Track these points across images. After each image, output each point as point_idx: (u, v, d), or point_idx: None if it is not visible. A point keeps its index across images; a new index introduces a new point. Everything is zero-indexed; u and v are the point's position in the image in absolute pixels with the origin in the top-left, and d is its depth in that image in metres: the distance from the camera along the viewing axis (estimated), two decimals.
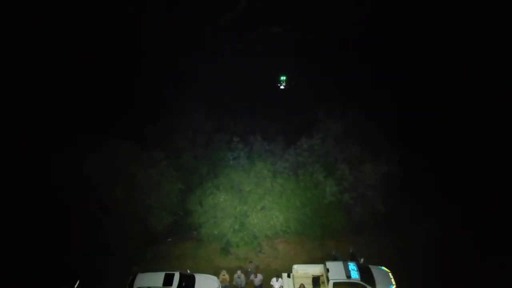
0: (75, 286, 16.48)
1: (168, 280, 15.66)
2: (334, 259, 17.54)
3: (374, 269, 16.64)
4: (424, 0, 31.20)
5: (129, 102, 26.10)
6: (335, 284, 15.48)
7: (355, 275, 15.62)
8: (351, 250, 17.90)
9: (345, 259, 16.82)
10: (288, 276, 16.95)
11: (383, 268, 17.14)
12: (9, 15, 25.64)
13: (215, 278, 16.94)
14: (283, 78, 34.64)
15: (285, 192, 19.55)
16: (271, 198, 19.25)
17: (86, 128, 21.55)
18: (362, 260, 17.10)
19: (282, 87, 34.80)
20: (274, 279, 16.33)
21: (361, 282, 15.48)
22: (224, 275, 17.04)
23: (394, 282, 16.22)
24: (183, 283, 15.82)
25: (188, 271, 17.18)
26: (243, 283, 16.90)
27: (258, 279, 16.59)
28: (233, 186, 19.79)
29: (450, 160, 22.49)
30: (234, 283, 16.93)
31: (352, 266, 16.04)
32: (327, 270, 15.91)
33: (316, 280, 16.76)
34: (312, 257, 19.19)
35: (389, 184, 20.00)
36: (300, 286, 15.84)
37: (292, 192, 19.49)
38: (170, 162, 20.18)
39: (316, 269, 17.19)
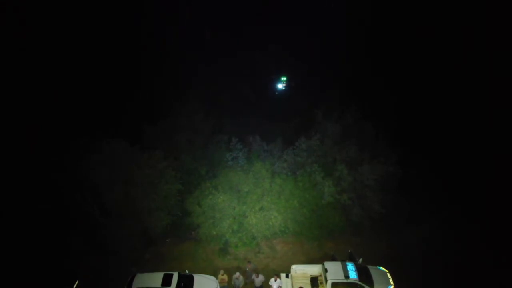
0: (74, 286, 16.53)
1: (166, 280, 15.69)
2: (333, 259, 17.58)
3: (372, 269, 16.69)
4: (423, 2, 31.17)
5: (129, 102, 26.12)
6: (333, 284, 15.52)
7: (353, 275, 15.66)
8: (349, 251, 17.93)
9: (343, 259, 16.84)
10: (287, 276, 16.99)
11: (381, 268, 17.18)
12: (8, 14, 25.66)
13: (213, 278, 17.00)
14: (283, 78, 34.76)
15: (284, 193, 19.60)
16: (270, 199, 19.31)
17: (85, 129, 21.57)
18: (360, 260, 17.13)
19: (282, 87, 34.91)
20: (272, 280, 16.38)
21: (359, 282, 15.51)
22: (222, 275, 17.08)
23: (392, 282, 16.25)
24: (182, 284, 15.87)
25: (187, 272, 17.22)
26: (241, 284, 16.93)
27: (259, 279, 16.64)
28: (232, 187, 19.84)
29: (449, 160, 22.50)
30: (232, 283, 16.96)
31: (350, 266, 16.08)
32: (326, 270, 15.95)
33: (314, 280, 16.81)
34: (311, 257, 19.23)
35: (387, 184, 20.03)
36: None
37: (291, 193, 19.54)
38: (169, 162, 20.18)
39: (314, 269, 17.23)
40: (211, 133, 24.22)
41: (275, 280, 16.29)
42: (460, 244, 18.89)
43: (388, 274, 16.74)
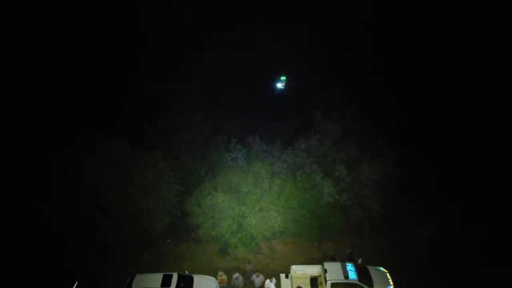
0: (74, 286, 16.53)
1: (166, 281, 15.69)
2: (332, 259, 17.59)
3: (372, 270, 16.69)
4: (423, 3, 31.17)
5: (129, 102, 26.14)
6: (333, 284, 15.53)
7: (353, 275, 15.68)
8: (349, 251, 17.93)
9: (343, 260, 16.86)
10: (286, 276, 17.02)
11: (381, 268, 17.18)
12: (8, 14, 25.71)
13: (213, 279, 17.00)
14: (283, 77, 34.82)
15: (283, 193, 19.57)
16: (269, 199, 19.27)
17: (85, 129, 21.60)
18: (360, 260, 17.13)
19: (282, 86, 34.95)
20: (268, 280, 16.39)
21: (359, 283, 15.53)
22: (221, 275, 17.09)
23: (391, 283, 16.25)
24: (181, 284, 15.87)
25: (186, 272, 17.24)
26: (241, 285, 16.95)
27: (259, 279, 16.68)
28: (231, 187, 19.81)
29: (449, 160, 22.49)
30: (232, 283, 16.98)
31: (350, 266, 16.09)
32: (325, 271, 15.97)
33: (314, 281, 16.82)
34: (310, 258, 19.22)
35: (387, 184, 20.01)
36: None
37: (290, 193, 19.50)
38: (169, 162, 20.17)
39: (314, 270, 17.25)
40: (210, 134, 24.21)
41: (271, 281, 16.32)
42: (460, 244, 18.88)
43: (388, 274, 16.74)
